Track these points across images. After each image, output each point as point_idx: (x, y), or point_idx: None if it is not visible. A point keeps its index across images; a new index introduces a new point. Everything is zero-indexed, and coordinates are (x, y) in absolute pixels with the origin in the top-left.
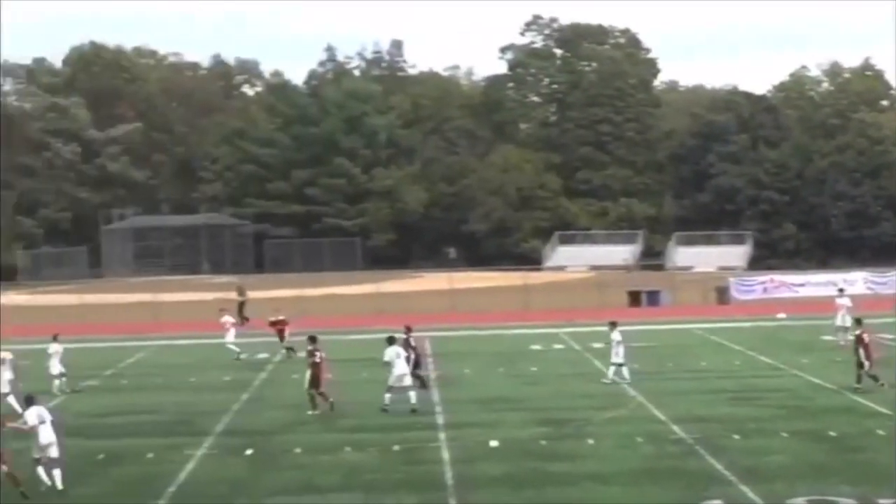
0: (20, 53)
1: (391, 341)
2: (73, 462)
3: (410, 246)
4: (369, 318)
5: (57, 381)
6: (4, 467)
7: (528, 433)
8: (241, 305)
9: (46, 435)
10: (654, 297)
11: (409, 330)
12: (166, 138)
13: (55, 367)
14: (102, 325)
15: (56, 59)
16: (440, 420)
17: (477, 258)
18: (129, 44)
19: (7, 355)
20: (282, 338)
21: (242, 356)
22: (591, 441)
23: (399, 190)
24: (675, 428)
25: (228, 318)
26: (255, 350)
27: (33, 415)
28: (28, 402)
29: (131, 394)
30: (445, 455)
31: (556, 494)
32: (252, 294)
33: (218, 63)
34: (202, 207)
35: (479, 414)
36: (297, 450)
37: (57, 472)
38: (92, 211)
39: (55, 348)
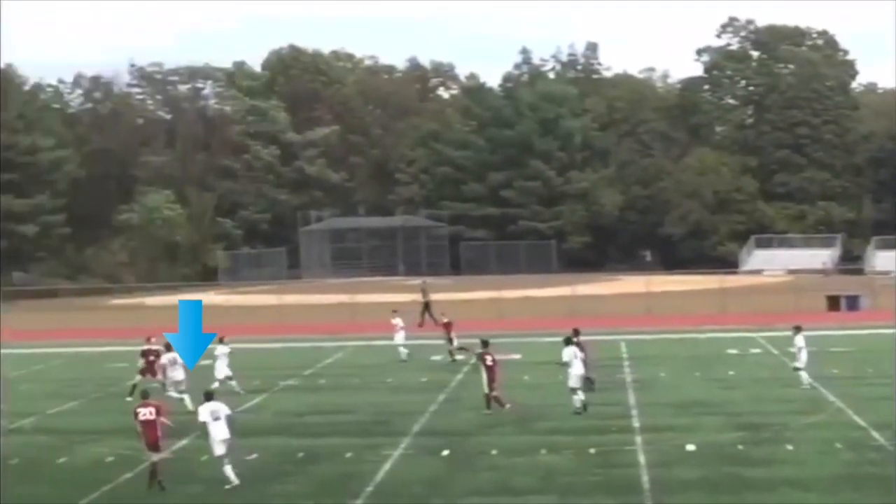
0: (221, 57)
1: (568, 342)
2: (274, 460)
3: (605, 248)
4: (564, 320)
5: (217, 384)
6: (156, 456)
7: (725, 437)
8: (426, 307)
9: (220, 431)
10: (853, 302)
11: (576, 333)
12: (362, 141)
13: (222, 370)
14: (300, 326)
15: (255, 62)
16: (636, 423)
17: (673, 261)
18: (326, 47)
19: (225, 349)
20: (450, 340)
21: (406, 358)
22: (789, 446)
23: (594, 192)
24: (876, 434)
25: (399, 321)
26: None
27: (206, 411)
28: (207, 397)
29: (330, 393)
30: (641, 459)
31: (754, 500)
32: (448, 296)
33: (414, 66)
34: (398, 209)
35: (675, 418)
36: (493, 451)
37: (228, 468)
38: (290, 213)
39: (222, 350)
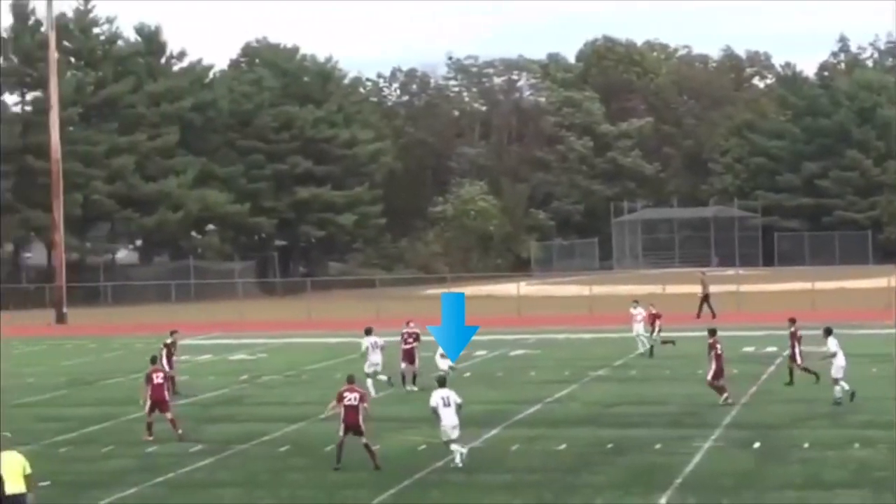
0: (536, 49)
1: (829, 332)
2: (584, 450)
3: None
4: (881, 312)
5: (370, 381)
6: (365, 440)
7: None
8: (705, 299)
9: (450, 417)
10: None
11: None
12: (676, 131)
13: (372, 363)
14: (611, 316)
15: (570, 54)
16: None
17: None
18: (639, 38)
19: (373, 341)
20: (653, 330)
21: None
22: None
23: None
24: None
25: (640, 310)
26: (764, 343)
27: (438, 397)
28: (440, 383)
29: (639, 384)
30: None
31: None
32: (761, 287)
33: (728, 55)
34: (711, 200)
35: None
36: (805, 444)
37: (458, 453)
38: (603, 203)
39: (370, 342)
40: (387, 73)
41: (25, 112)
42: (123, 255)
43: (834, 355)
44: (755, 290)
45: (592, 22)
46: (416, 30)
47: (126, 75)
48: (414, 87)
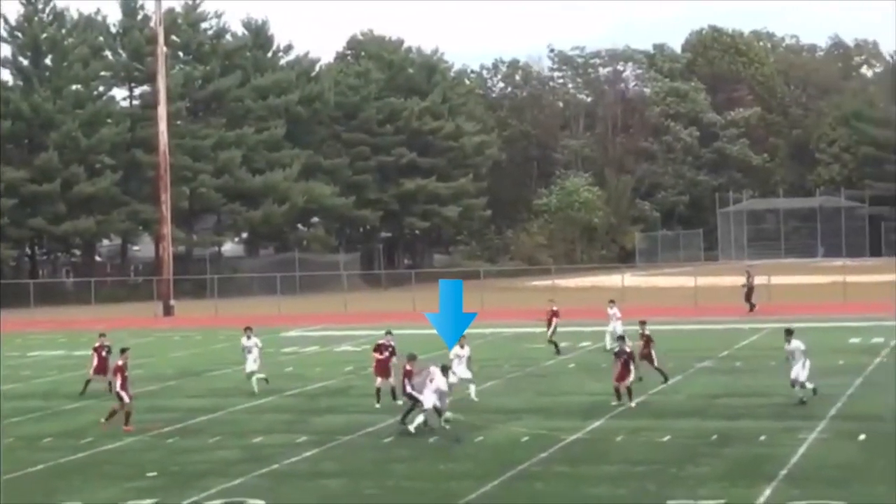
0: (641, 40)
1: None
2: (688, 442)
3: None
4: None
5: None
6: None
7: None
8: (750, 291)
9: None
10: None
11: None
12: (782, 121)
13: (250, 364)
14: (717, 308)
15: (676, 44)
16: None
17: None
18: (746, 27)
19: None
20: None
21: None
22: None
23: None
24: None
25: (615, 311)
26: (870, 335)
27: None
28: (443, 371)
29: (745, 376)
30: None
31: None
32: (867, 278)
33: (836, 44)
34: (818, 190)
35: None
36: None
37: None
38: (708, 194)
39: (249, 343)
40: (489, 64)
41: (134, 107)
42: (229, 247)
43: None
44: (862, 280)
45: (698, 12)
46: (518, 22)
47: (233, 69)
48: (517, 78)
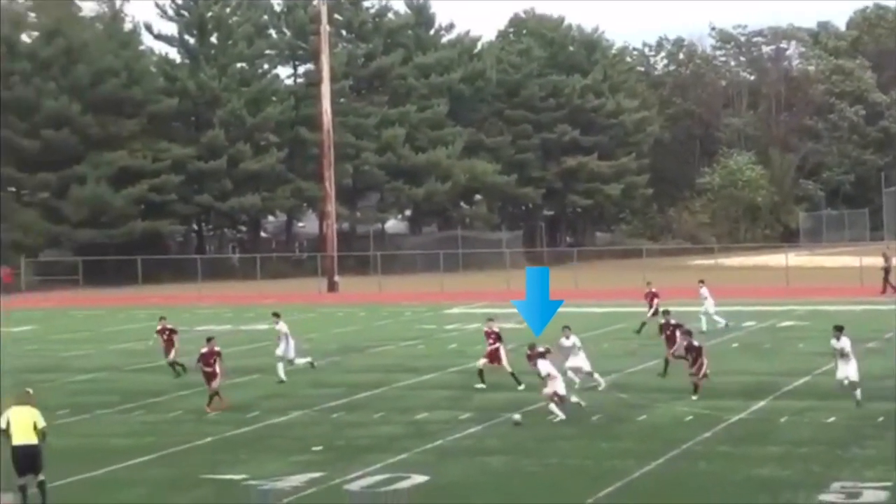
0: (805, 17)
1: None
2: (853, 423)
3: None
4: None
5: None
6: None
7: None
8: (887, 272)
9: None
10: None
11: None
12: None
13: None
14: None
15: (840, 21)
16: None
17: None
18: None
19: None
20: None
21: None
22: None
23: None
24: None
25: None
26: None
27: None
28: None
29: None
30: None
31: None
32: None
33: None
34: None
35: None
36: None
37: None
38: (874, 173)
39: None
40: (652, 42)
41: (298, 84)
42: (392, 224)
43: None
44: None
45: None
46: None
47: (396, 48)
48: (681, 56)
